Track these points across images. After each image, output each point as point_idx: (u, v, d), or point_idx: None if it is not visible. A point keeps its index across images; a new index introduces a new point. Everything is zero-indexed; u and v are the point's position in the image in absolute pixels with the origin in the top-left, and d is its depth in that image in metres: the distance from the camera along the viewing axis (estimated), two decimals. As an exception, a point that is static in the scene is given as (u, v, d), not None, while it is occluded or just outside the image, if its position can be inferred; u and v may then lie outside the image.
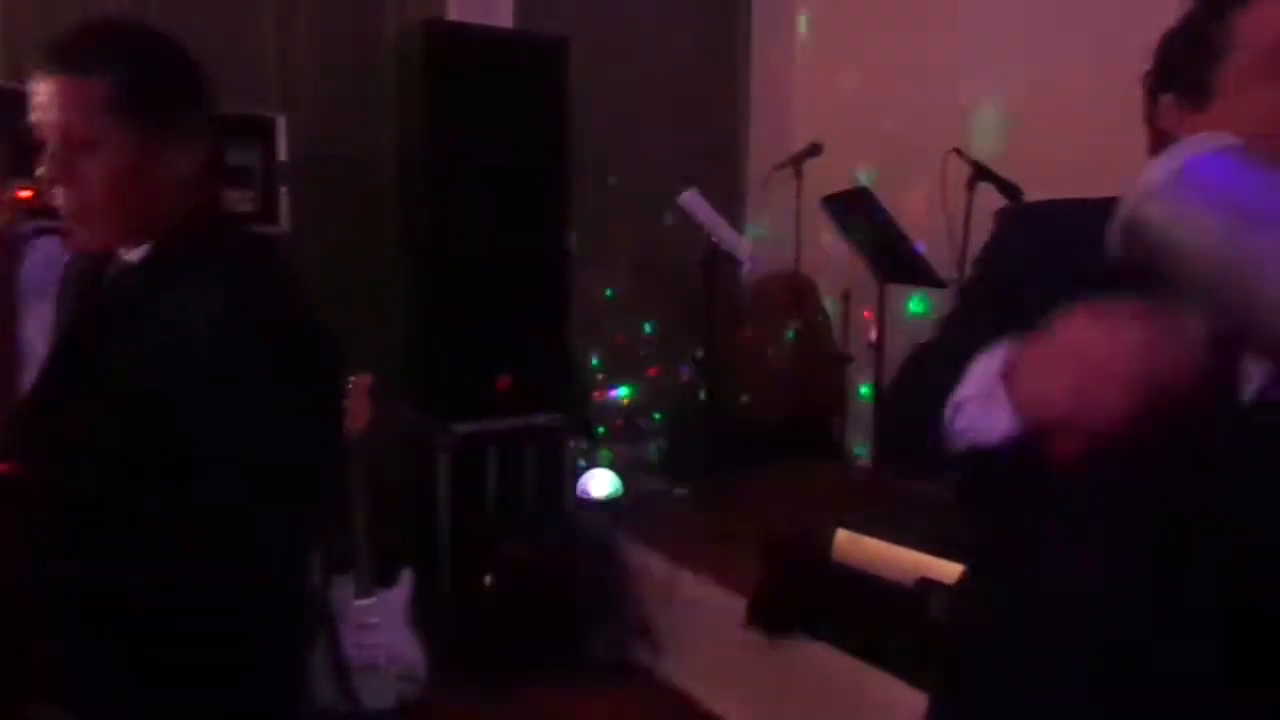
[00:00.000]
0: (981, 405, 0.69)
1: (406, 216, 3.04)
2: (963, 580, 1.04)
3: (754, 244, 3.59)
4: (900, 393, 0.92)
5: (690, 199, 3.17)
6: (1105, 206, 0.79)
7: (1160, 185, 0.63)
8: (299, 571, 1.20)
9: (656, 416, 3.82)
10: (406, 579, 2.51)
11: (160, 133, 1.06)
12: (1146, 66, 0.87)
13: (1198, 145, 0.64)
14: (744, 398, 3.69)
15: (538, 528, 2.95)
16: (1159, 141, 0.86)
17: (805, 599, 2.25)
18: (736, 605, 2.46)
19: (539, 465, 3.09)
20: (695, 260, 3.23)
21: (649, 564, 2.85)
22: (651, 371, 3.83)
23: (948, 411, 0.72)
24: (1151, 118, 0.86)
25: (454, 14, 3.19)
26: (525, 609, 2.74)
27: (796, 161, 2.99)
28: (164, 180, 1.07)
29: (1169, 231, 0.62)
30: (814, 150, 2.99)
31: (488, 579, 2.71)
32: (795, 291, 3.47)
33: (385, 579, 2.49)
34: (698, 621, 2.67)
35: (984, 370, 0.70)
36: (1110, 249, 0.66)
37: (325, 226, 2.88)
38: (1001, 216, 0.94)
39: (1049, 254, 0.80)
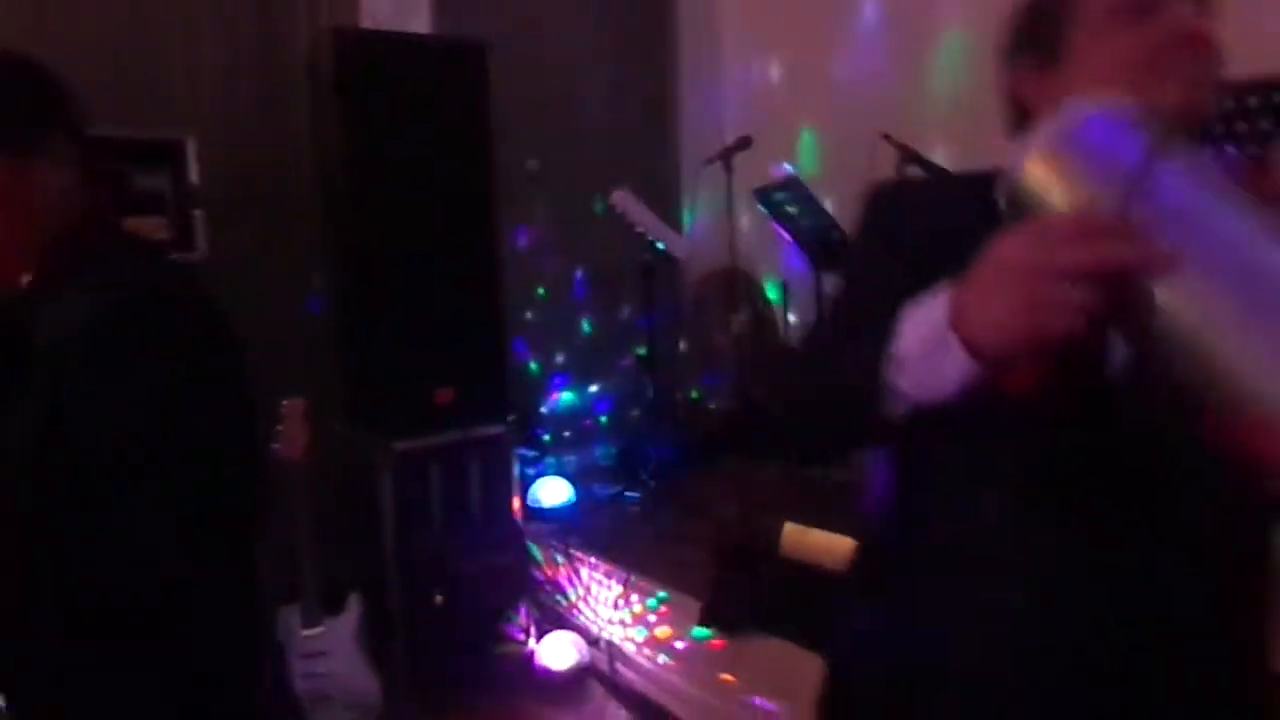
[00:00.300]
0: (929, 358, 0.65)
1: (329, 232, 2.97)
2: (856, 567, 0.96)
3: (691, 238, 3.58)
4: (812, 374, 0.84)
5: (622, 198, 3.15)
6: (979, 181, 0.80)
7: (1044, 148, 0.61)
8: (231, 595, 1.16)
9: (603, 420, 3.80)
10: (355, 604, 2.45)
11: (25, 155, 1.04)
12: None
13: (1083, 107, 0.62)
14: (693, 394, 3.68)
15: (487, 542, 2.90)
16: (1014, 109, 0.87)
17: (757, 595, 2.24)
18: (692, 606, 2.44)
19: (485, 478, 3.04)
20: (633, 258, 3.20)
21: (603, 571, 2.82)
22: (595, 374, 3.81)
23: (888, 373, 0.67)
24: (1006, 86, 0.86)
25: (368, 22, 3.12)
26: (479, 625, 2.70)
27: (725, 155, 2.97)
28: (40, 202, 1.05)
29: (1050, 195, 0.60)
30: (743, 144, 2.98)
31: (439, 597, 2.66)
32: (736, 284, 3.47)
33: (333, 606, 2.42)
34: (654, 625, 2.65)
35: (924, 322, 0.66)
36: (1000, 212, 0.64)
37: (245, 248, 2.79)
38: (875, 195, 0.90)
39: (928, 231, 0.77)
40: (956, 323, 0.63)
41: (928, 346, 0.65)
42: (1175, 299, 0.55)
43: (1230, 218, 0.57)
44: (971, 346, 0.62)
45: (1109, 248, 0.55)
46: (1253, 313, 0.54)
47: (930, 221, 0.78)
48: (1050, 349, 0.57)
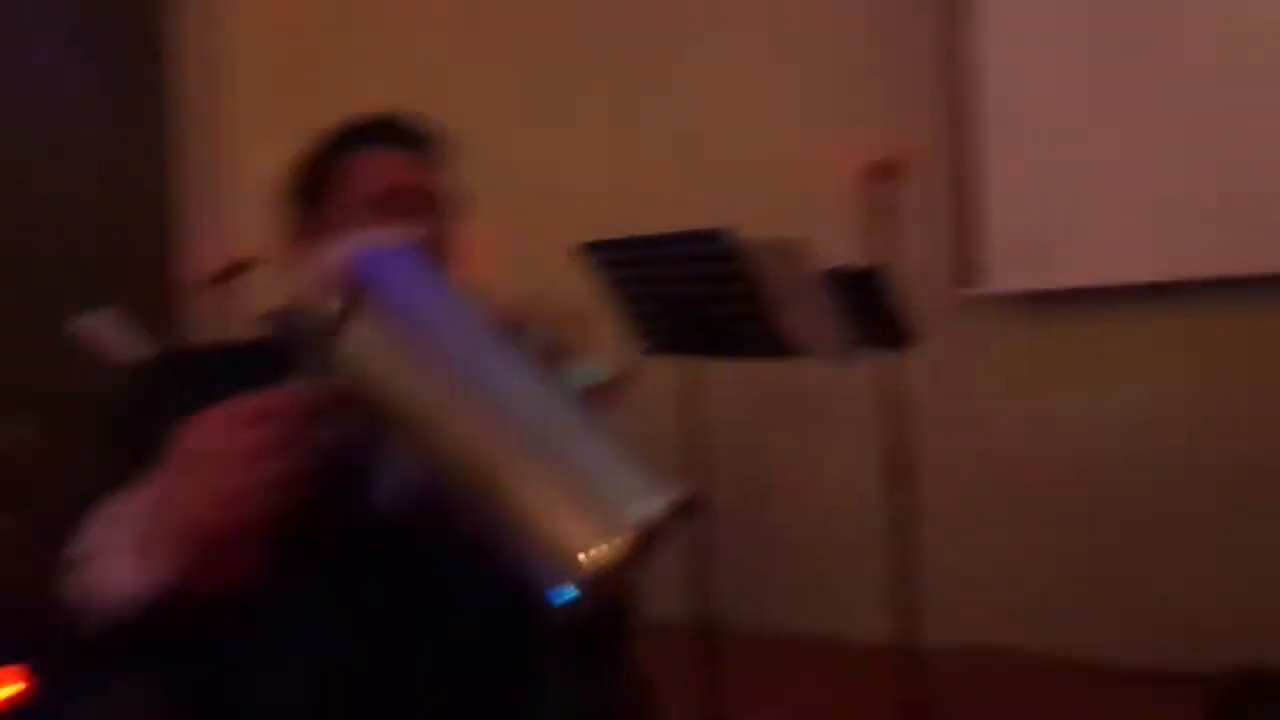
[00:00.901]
0: (111, 555, 0.63)
1: None
2: None
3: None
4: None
5: (94, 325, 2.64)
6: (266, 347, 0.84)
7: (321, 279, 0.65)
8: None
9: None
10: None
11: None
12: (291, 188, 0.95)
13: (365, 241, 0.67)
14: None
15: None
16: (287, 255, 0.93)
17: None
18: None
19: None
20: (108, 395, 2.70)
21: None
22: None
23: (66, 573, 0.65)
24: (281, 227, 0.94)
25: None
26: None
27: (222, 280, 2.65)
28: None
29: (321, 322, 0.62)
30: (244, 266, 2.68)
31: None
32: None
33: None
34: None
35: (119, 518, 0.65)
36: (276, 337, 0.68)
37: None
38: (142, 367, 0.92)
39: (205, 403, 0.75)
40: (159, 518, 0.62)
41: (114, 543, 0.63)
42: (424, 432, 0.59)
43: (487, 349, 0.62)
44: (178, 537, 0.61)
45: (291, 423, 0.59)
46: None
47: (212, 393, 0.75)
48: (253, 532, 0.60)
